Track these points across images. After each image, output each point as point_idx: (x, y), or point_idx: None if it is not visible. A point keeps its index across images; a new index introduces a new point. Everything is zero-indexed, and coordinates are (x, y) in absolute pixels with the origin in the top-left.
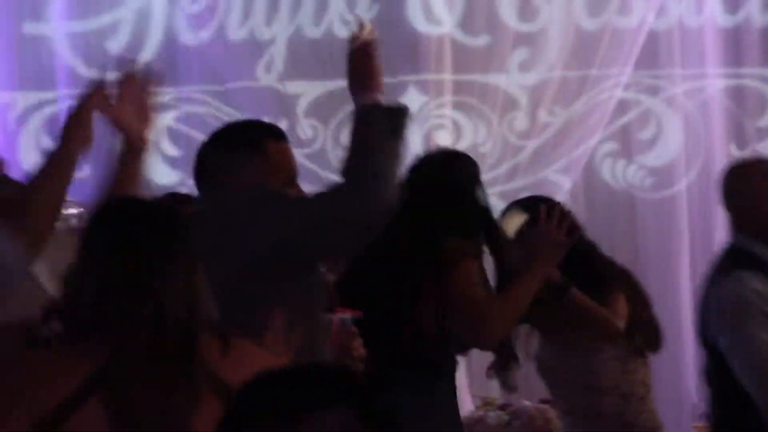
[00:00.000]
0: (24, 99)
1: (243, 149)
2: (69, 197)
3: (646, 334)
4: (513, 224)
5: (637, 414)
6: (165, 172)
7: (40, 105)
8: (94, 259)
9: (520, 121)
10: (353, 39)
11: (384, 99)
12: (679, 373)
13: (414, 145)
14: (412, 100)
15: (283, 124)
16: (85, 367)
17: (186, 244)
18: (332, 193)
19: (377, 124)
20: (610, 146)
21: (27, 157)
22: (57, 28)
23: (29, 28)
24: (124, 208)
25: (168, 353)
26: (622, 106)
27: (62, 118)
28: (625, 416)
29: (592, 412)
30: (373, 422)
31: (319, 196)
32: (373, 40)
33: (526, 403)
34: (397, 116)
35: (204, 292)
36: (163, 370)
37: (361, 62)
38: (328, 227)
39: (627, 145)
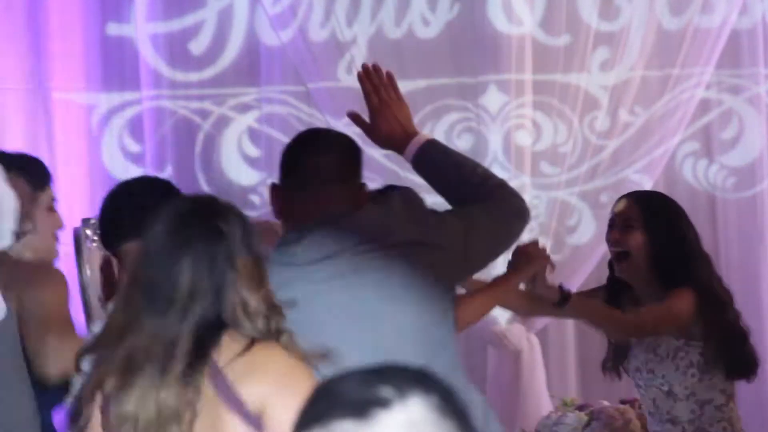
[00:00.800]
0: (107, 100)
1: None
2: None
3: (742, 365)
4: (631, 212)
5: (713, 421)
6: (246, 172)
7: (123, 106)
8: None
9: (601, 120)
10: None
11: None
12: (761, 376)
13: (494, 145)
14: (493, 99)
15: None
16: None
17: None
18: (495, 205)
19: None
20: (692, 146)
21: (109, 159)
22: (140, 29)
23: (113, 29)
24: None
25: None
26: (704, 106)
27: (145, 119)
28: (699, 423)
29: (670, 416)
30: (450, 415)
31: (479, 209)
32: (390, 78)
33: (606, 403)
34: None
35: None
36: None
37: (397, 108)
38: (504, 237)
39: (709, 144)
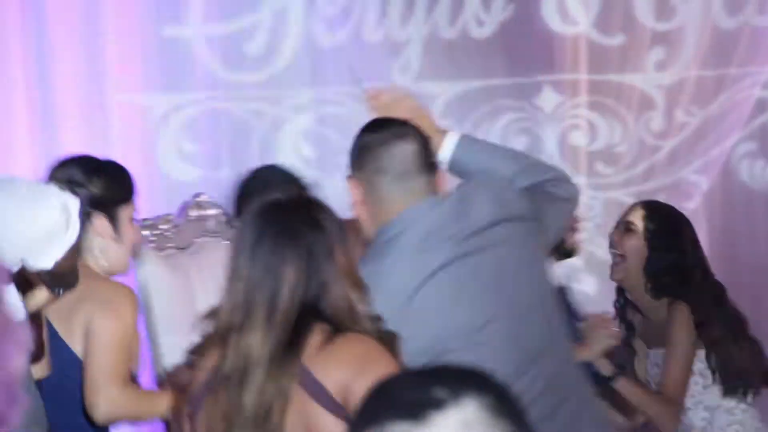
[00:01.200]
0: (163, 102)
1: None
2: (207, 196)
3: (751, 381)
4: (636, 217)
5: (724, 425)
6: (302, 173)
7: (179, 107)
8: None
9: (657, 120)
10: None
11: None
12: None
13: (550, 145)
14: (548, 100)
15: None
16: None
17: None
18: (557, 189)
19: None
20: (748, 146)
21: (165, 160)
22: (196, 31)
23: (169, 31)
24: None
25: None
26: (760, 106)
27: (201, 120)
28: (711, 429)
29: (684, 425)
30: (505, 415)
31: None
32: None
33: None
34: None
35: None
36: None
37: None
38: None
39: (765, 144)
